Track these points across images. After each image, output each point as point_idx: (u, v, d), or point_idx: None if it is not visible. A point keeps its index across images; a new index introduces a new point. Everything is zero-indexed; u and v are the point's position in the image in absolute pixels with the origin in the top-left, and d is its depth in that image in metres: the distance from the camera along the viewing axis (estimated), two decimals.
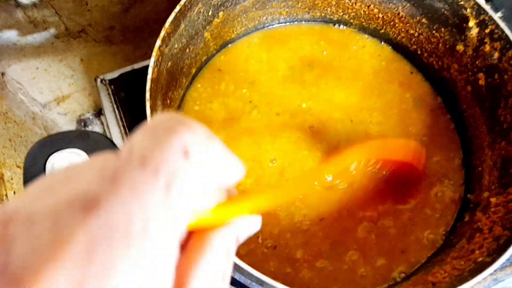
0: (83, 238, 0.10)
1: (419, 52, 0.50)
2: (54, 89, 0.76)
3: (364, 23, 0.52)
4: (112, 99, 0.58)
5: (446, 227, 0.44)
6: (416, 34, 0.49)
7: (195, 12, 0.41)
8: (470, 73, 0.45)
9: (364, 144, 0.35)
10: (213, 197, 0.14)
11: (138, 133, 0.12)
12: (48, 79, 0.73)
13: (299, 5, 0.50)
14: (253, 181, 0.43)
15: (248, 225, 0.16)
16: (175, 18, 0.37)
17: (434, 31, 0.47)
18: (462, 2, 0.42)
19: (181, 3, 0.37)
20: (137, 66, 0.62)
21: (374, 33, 0.52)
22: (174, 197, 0.11)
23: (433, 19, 0.46)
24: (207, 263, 0.13)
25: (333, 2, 0.50)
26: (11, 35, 0.60)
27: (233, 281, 0.45)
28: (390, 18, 0.50)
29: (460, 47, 0.45)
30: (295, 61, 0.50)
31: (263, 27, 0.52)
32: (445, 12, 0.44)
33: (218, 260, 0.14)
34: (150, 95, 0.34)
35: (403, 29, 0.50)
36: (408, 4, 0.47)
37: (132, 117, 0.57)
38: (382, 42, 0.52)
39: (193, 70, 0.48)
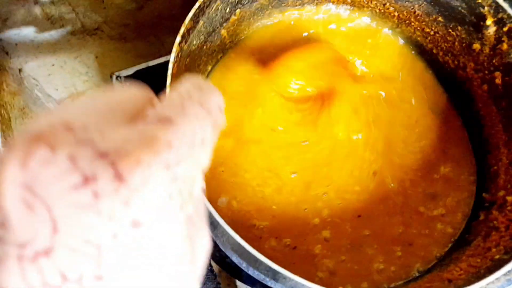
0: (169, 139, 0.13)
1: (434, 51, 0.50)
2: (69, 86, 0.76)
3: (380, 22, 0.52)
4: None
5: (461, 225, 0.44)
6: (432, 33, 0.49)
7: (213, 9, 0.41)
8: (486, 72, 0.45)
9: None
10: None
11: (185, 85, 0.16)
12: (63, 76, 0.73)
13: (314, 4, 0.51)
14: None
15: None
16: (194, 14, 0.38)
17: (450, 30, 0.47)
18: (479, 0, 0.42)
19: (201, 0, 0.38)
20: (152, 63, 0.62)
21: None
22: (215, 132, 0.16)
23: (449, 17, 0.46)
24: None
25: (348, 0, 0.50)
26: (28, 32, 0.61)
27: (246, 277, 0.46)
28: (406, 16, 0.50)
29: (476, 46, 0.45)
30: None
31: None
32: (462, 10, 0.44)
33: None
34: (171, 91, 0.35)
35: (418, 28, 0.50)
36: (424, 3, 0.47)
37: None
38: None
39: (209, 67, 0.48)
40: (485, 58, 0.45)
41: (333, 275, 0.40)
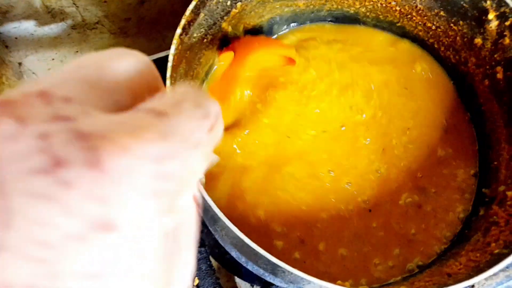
0: (162, 130, 0.11)
1: (436, 46, 0.50)
2: None
3: (381, 16, 0.52)
4: None
5: (461, 220, 0.44)
6: (433, 28, 0.49)
7: (214, 2, 0.41)
8: (488, 67, 0.45)
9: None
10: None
11: (181, 88, 0.15)
12: None
13: None
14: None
15: None
16: (195, 6, 0.37)
17: (452, 24, 0.47)
18: None
19: None
20: (152, 57, 0.62)
21: (389, 28, 0.53)
22: (211, 138, 0.14)
23: (451, 12, 0.46)
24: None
25: None
26: (29, 25, 0.61)
27: (245, 274, 0.46)
28: (408, 11, 0.50)
29: (478, 41, 0.45)
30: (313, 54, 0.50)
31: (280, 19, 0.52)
32: (464, 4, 0.44)
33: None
34: (171, 82, 0.34)
35: (420, 22, 0.50)
36: None
37: None
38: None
39: (211, 61, 0.48)
40: (487, 53, 0.45)
41: (333, 269, 0.40)
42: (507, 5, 0.40)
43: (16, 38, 0.62)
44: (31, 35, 0.63)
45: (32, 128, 0.09)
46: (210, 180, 0.42)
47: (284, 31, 0.53)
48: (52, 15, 0.61)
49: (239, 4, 0.45)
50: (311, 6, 0.51)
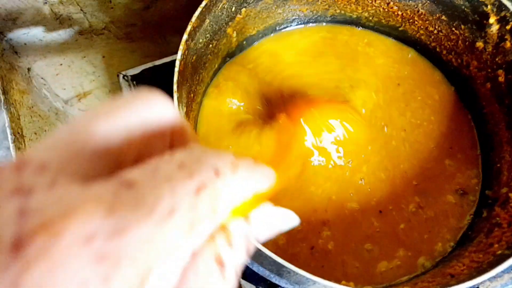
0: (109, 198, 0.10)
1: (438, 50, 0.51)
2: (76, 86, 0.78)
3: (383, 21, 0.52)
4: None
5: (464, 223, 0.45)
6: (435, 32, 0.50)
7: (219, 8, 0.42)
8: (489, 70, 0.46)
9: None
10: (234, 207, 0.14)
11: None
12: (70, 76, 0.75)
13: (319, 2, 0.51)
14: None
15: (266, 215, 0.15)
16: (201, 13, 0.38)
17: (453, 28, 0.48)
18: None
19: None
20: (158, 62, 0.63)
21: (390, 33, 0.53)
22: (201, 200, 0.11)
23: (453, 16, 0.47)
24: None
25: (353, 0, 0.51)
26: (37, 31, 0.62)
27: (250, 275, 0.46)
28: (409, 15, 0.50)
29: (479, 44, 0.46)
30: (315, 58, 0.51)
31: (283, 24, 0.53)
32: (465, 9, 0.45)
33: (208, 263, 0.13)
34: (177, 87, 0.35)
35: (422, 27, 0.50)
36: (427, 1, 0.48)
37: None
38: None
39: (215, 65, 0.49)
40: (488, 57, 0.45)
41: (337, 271, 0.40)
42: (507, 9, 0.41)
43: (25, 44, 0.63)
44: (40, 41, 0.64)
45: None
46: None
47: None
48: (60, 21, 0.62)
49: (243, 10, 0.46)
50: (314, 11, 0.52)
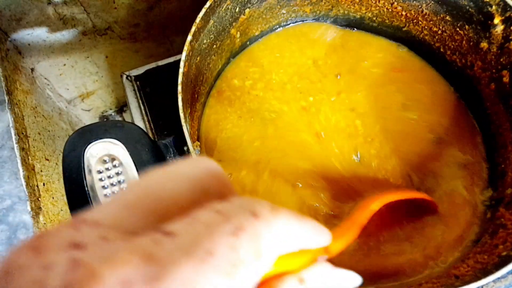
0: (149, 247, 0.11)
1: (442, 50, 0.51)
2: (79, 86, 0.78)
3: (387, 21, 0.52)
4: (138, 95, 0.60)
5: (470, 223, 0.45)
6: (439, 32, 0.50)
7: (223, 9, 0.42)
8: (494, 71, 0.46)
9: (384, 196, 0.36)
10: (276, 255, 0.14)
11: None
12: (74, 76, 0.75)
13: (322, 2, 0.51)
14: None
15: (323, 275, 0.15)
16: (205, 14, 0.38)
17: (458, 29, 0.47)
18: None
19: None
20: (161, 63, 0.63)
21: (394, 33, 0.53)
22: (240, 242, 0.12)
23: (457, 16, 0.47)
24: None
25: (357, 0, 0.51)
26: (41, 32, 0.62)
27: None
28: (414, 15, 0.50)
29: (484, 45, 0.45)
30: (318, 58, 0.51)
31: (287, 25, 0.53)
32: (470, 9, 0.45)
33: None
34: (182, 88, 0.35)
35: (426, 27, 0.50)
36: (432, 2, 0.47)
37: (157, 112, 0.58)
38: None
39: (219, 66, 0.49)
40: (493, 57, 0.45)
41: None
42: None
43: (29, 44, 0.63)
44: (44, 42, 0.64)
45: (39, 261, 0.11)
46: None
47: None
48: (63, 21, 0.62)
49: (247, 10, 0.46)
50: (318, 12, 0.52)
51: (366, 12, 0.52)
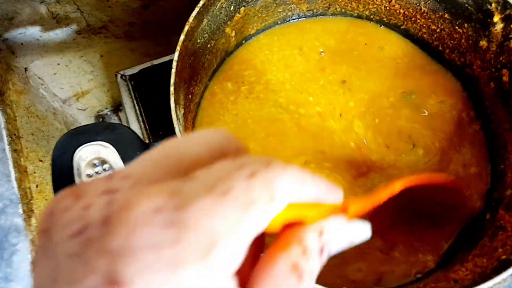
0: (174, 186, 0.13)
1: (440, 48, 0.50)
2: (74, 85, 0.77)
3: (385, 19, 0.52)
4: (132, 94, 0.59)
5: (467, 225, 0.44)
6: (438, 30, 0.49)
7: (217, 7, 0.41)
8: (493, 69, 0.45)
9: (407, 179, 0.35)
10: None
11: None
12: (68, 75, 0.74)
13: (319, 0, 0.50)
14: None
15: (340, 227, 0.16)
16: (198, 13, 0.37)
17: (457, 27, 0.47)
18: None
19: None
20: (156, 62, 0.62)
21: (395, 29, 0.52)
22: (254, 184, 0.13)
23: (456, 14, 0.46)
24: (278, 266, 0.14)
25: None
26: (34, 31, 0.61)
27: None
28: (412, 13, 0.49)
29: (483, 43, 0.45)
30: (314, 56, 0.50)
31: (283, 23, 0.52)
32: (469, 7, 0.44)
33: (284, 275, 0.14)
34: (174, 88, 0.35)
35: (424, 25, 0.50)
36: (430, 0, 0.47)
37: (152, 112, 0.57)
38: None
39: (214, 65, 0.48)
40: (492, 56, 0.44)
41: (338, 276, 0.40)
42: None
43: (22, 43, 0.62)
44: (37, 41, 0.63)
45: (79, 204, 0.13)
46: None
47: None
48: (57, 20, 0.61)
49: (242, 9, 0.45)
50: (314, 10, 0.51)
51: (363, 10, 0.51)
